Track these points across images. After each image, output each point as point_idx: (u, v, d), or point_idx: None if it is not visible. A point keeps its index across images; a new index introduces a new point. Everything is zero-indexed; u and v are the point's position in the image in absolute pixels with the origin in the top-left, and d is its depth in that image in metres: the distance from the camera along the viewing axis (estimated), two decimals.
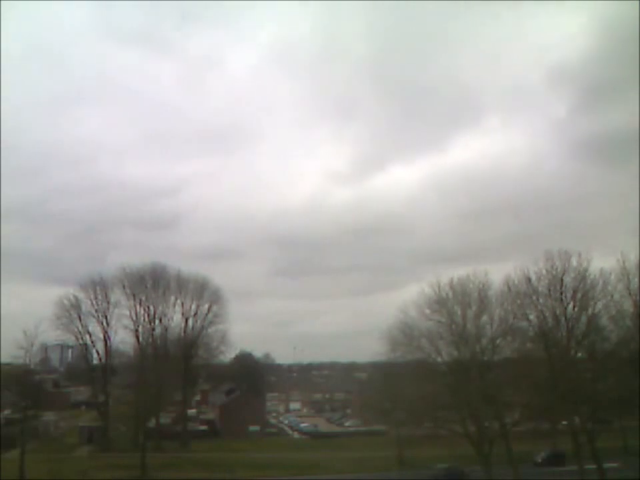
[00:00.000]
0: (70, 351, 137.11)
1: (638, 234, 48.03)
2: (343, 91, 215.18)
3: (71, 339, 72.41)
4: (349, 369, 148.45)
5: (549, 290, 39.95)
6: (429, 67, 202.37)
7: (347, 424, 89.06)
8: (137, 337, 70.37)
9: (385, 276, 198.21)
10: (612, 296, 39.56)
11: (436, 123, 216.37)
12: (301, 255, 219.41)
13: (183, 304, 72.53)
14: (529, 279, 40.41)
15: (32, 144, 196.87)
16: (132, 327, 70.08)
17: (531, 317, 40.87)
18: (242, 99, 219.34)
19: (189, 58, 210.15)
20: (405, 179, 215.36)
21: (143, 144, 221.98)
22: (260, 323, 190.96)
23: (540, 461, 51.15)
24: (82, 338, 69.66)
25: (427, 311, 42.32)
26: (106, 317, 69.27)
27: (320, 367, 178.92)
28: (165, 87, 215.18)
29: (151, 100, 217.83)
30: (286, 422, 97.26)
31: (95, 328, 69.33)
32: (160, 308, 71.53)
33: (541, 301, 40.43)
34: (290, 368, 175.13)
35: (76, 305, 68.27)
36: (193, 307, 73.01)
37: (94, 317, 69.06)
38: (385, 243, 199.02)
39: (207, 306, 73.38)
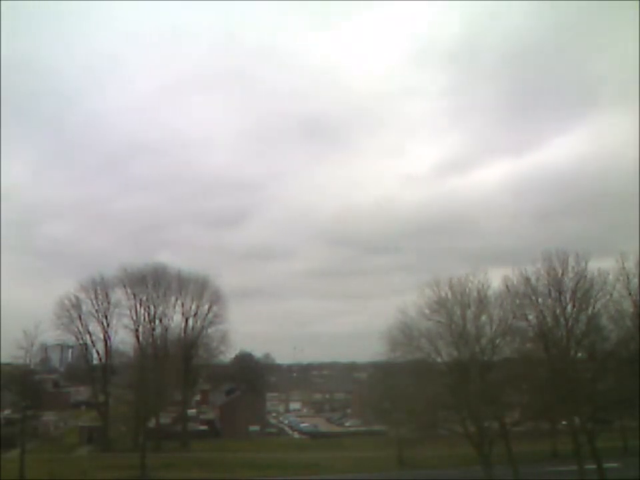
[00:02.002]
0: (70, 350, 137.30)
1: None
2: (465, 91, 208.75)
3: (71, 339, 72.78)
4: (349, 368, 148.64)
5: (548, 290, 39.96)
6: (558, 66, 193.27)
7: (347, 424, 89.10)
8: (137, 337, 70.51)
9: (431, 276, 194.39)
10: (611, 295, 39.57)
11: (543, 123, 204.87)
12: (352, 255, 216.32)
13: (183, 304, 72.71)
14: (527, 279, 40.42)
15: (119, 137, 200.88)
16: (132, 327, 70.35)
17: (530, 317, 40.87)
18: (359, 96, 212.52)
19: (310, 55, 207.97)
20: (486, 180, 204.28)
21: (239, 138, 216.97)
22: (283, 323, 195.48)
23: None
24: (82, 338, 69.87)
25: (427, 311, 42.27)
26: (106, 317, 69.44)
27: (320, 366, 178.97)
28: (278, 81, 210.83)
29: (259, 93, 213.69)
30: (286, 422, 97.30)
31: (95, 328, 69.57)
32: (160, 308, 71.71)
33: (540, 301, 40.42)
34: (290, 368, 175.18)
35: (76, 305, 68.41)
36: (193, 307, 73.15)
37: (94, 316, 69.26)
38: (445, 244, 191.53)
39: (207, 306, 73.52)
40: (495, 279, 42.98)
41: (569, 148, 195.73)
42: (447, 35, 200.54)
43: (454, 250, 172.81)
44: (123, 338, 70.40)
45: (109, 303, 69.54)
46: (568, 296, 39.45)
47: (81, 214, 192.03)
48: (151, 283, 71.18)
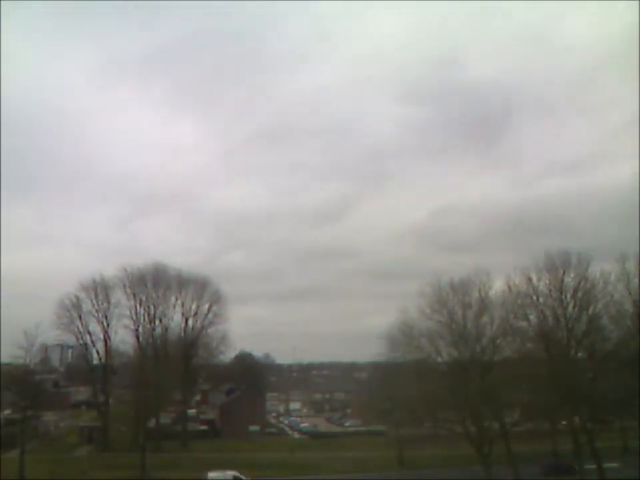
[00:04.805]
0: (70, 350, 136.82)
1: None
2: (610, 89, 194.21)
3: (71, 339, 72.63)
4: (349, 368, 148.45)
5: (549, 290, 40.04)
6: None
7: (346, 424, 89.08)
8: (137, 337, 70.50)
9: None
10: (612, 296, 39.67)
11: None
12: (427, 254, 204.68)
13: (183, 304, 72.63)
14: (529, 279, 40.46)
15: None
16: (132, 326, 70.29)
17: (531, 316, 40.96)
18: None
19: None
20: (599, 182, 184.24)
21: (390, 131, 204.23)
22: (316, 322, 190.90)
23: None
24: (82, 338, 69.73)
25: (427, 311, 42.28)
26: (106, 317, 69.37)
27: (320, 366, 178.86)
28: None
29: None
30: (286, 422, 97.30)
31: (95, 328, 69.46)
32: (160, 308, 71.60)
33: (541, 300, 40.53)
34: (290, 368, 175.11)
35: (76, 305, 68.29)
36: (193, 307, 73.07)
37: (94, 316, 69.16)
38: (532, 244, 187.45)
39: (207, 306, 73.48)
40: (495, 278, 43.01)
41: None
42: None
43: (537, 250, 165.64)
44: (123, 338, 70.49)
45: (109, 302, 69.52)
46: (569, 296, 39.49)
47: (177, 208, 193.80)
48: (151, 283, 71.16)
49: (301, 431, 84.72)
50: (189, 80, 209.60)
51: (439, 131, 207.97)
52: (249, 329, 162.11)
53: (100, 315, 69.07)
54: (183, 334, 73.03)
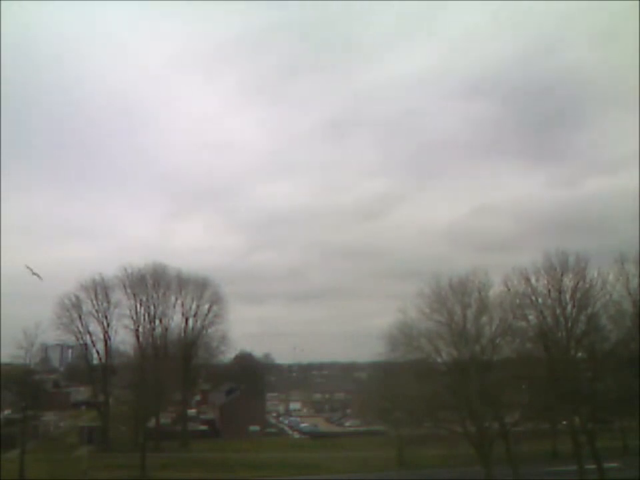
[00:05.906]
0: (70, 350, 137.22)
1: None
2: None
3: (71, 339, 72.60)
4: (349, 368, 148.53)
5: (548, 290, 40.02)
6: None
7: (346, 424, 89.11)
8: (137, 337, 70.56)
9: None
10: (611, 295, 39.63)
11: None
12: (453, 254, 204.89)
13: (183, 304, 72.83)
14: (527, 279, 40.45)
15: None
16: (132, 326, 70.40)
17: (530, 316, 40.92)
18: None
19: None
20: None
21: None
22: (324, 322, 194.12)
23: None
24: (82, 338, 69.84)
25: (427, 311, 42.17)
26: (106, 317, 69.48)
27: (320, 366, 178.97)
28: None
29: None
30: (286, 422, 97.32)
31: (95, 328, 69.57)
32: (160, 308, 71.79)
33: (540, 300, 40.48)
34: (290, 368, 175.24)
35: (76, 305, 68.40)
36: (193, 307, 73.30)
37: (94, 316, 69.26)
38: (561, 244, 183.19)
39: (207, 306, 73.66)
40: (494, 278, 42.97)
41: None
42: None
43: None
44: (123, 338, 70.62)
45: (108, 302, 69.61)
46: (568, 296, 39.50)
47: (217, 206, 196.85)
48: (151, 283, 71.26)
49: (301, 431, 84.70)
50: (256, 75, 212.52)
51: (494, 128, 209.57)
52: (256, 328, 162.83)
53: (100, 315, 69.24)
54: (183, 334, 73.16)
